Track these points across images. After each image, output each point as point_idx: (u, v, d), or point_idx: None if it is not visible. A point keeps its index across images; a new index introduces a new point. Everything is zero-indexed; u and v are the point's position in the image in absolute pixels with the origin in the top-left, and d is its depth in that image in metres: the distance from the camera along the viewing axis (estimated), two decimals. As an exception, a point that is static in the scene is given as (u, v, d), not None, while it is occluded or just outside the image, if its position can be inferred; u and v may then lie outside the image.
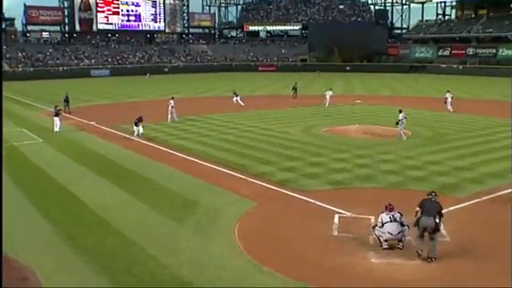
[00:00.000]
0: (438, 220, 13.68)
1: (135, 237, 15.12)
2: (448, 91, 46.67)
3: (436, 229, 13.59)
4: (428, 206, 13.80)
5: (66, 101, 42.60)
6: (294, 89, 57.66)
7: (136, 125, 31.00)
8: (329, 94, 50.59)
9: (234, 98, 48.60)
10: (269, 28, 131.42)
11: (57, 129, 33.51)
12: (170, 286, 12.20)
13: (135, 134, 30.94)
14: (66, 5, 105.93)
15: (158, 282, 12.37)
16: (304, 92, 61.71)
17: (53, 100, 42.33)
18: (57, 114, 33.94)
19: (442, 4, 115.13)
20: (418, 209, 13.87)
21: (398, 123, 31.27)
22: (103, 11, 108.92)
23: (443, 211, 13.96)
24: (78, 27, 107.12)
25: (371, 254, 14.03)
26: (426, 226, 13.50)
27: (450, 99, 45.26)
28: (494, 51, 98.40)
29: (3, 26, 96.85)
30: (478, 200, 14.39)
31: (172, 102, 39.33)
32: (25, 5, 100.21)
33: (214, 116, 41.10)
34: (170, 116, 38.59)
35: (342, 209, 17.42)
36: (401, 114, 31.39)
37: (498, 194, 18.91)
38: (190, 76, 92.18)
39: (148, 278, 12.58)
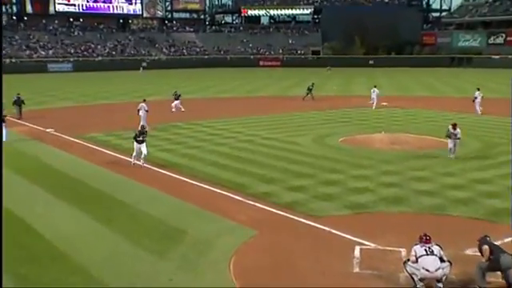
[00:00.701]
0: None
1: (104, 275, 15.08)
2: (478, 89, 48.12)
3: None
4: (493, 244, 13.52)
5: (17, 103, 42.50)
6: (309, 90, 58.03)
7: (137, 140, 28.02)
8: (375, 92, 51.75)
9: (174, 103, 48.18)
10: (272, 12, 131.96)
11: (4, 138, 33.42)
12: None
13: (134, 154, 28.18)
14: None
15: (133, 332, 12.40)
16: (317, 92, 61.89)
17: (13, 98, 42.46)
18: (2, 120, 33.85)
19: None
20: (485, 247, 13.43)
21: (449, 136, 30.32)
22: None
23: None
24: (29, 8, 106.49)
25: (402, 296, 14.09)
26: (509, 265, 13.22)
27: (479, 99, 46.76)
28: None
29: None
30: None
31: (144, 105, 39.36)
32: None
33: (205, 122, 41.22)
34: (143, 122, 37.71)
35: (364, 239, 17.43)
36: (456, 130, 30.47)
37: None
38: (173, 72, 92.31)
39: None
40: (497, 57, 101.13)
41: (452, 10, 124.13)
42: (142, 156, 27.62)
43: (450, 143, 30.06)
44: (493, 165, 27.84)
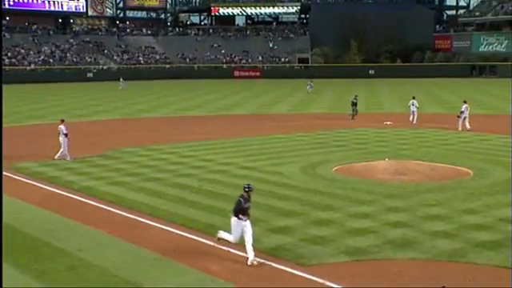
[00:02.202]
0: None
1: None
2: (464, 102, 49.89)
3: None
4: None
5: None
6: (354, 104, 58.01)
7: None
8: (414, 105, 53.90)
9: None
10: (249, 11, 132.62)
11: None
12: None
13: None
14: None
15: None
16: (304, 110, 62.16)
17: None
18: None
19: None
20: None
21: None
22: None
23: None
24: None
25: None
26: None
27: (466, 113, 49.17)
28: None
29: None
30: None
31: (63, 127, 37.86)
32: None
33: (167, 147, 41.25)
34: (61, 150, 37.62)
35: (367, 293, 17.50)
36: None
37: None
38: (127, 85, 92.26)
39: None
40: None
41: (471, 7, 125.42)
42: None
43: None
44: (524, 199, 28.01)
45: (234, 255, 21.04)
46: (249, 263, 19.45)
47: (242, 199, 20.28)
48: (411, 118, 53.80)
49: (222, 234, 20.58)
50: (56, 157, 36.95)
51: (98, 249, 21.72)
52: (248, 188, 20.80)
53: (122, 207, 26.95)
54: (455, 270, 19.02)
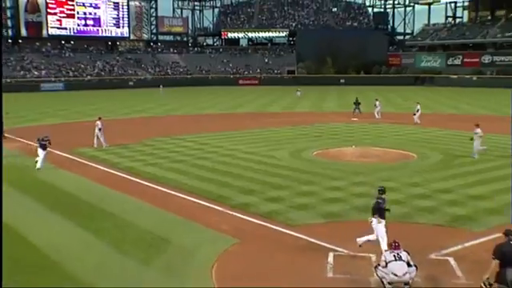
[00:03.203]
0: None
1: (95, 282, 14.95)
2: (418, 103, 51.77)
3: None
4: (509, 252, 12.81)
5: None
6: (357, 104, 57.53)
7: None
8: (378, 105, 54.91)
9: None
10: (250, 35, 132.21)
11: None
12: None
13: None
14: (8, 4, 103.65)
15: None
16: (292, 109, 62.02)
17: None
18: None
19: (452, 5, 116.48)
20: (495, 261, 12.82)
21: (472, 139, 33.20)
22: (55, 13, 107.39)
23: None
24: (24, 32, 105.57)
25: (373, 299, 14.07)
26: None
27: (419, 113, 50.35)
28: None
29: None
30: (498, 235, 14.44)
31: (99, 123, 37.55)
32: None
33: (188, 137, 41.10)
34: (96, 140, 37.14)
35: (337, 246, 17.42)
36: (478, 129, 33.17)
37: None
38: (160, 91, 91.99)
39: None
40: (455, 76, 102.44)
41: (414, 34, 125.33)
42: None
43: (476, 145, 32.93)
44: (454, 175, 28.03)
45: (239, 218, 21.02)
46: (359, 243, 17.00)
47: (380, 201, 17.31)
48: (376, 115, 53.90)
49: (362, 240, 17.04)
50: (95, 146, 36.63)
51: (137, 213, 21.71)
52: (381, 190, 17.83)
53: (155, 182, 26.90)
54: (404, 228, 18.99)
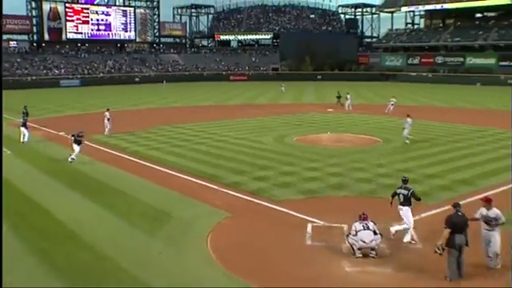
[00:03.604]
0: (466, 234, 13.16)
1: (107, 250, 14.94)
2: (393, 96, 52.02)
3: (467, 243, 13.10)
4: (457, 222, 13.06)
5: (25, 113, 40.73)
6: (339, 97, 57.27)
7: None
8: (349, 98, 54.28)
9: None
10: (240, 37, 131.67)
11: (25, 139, 33.18)
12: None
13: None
14: (34, 14, 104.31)
15: (130, 296, 12.29)
16: (276, 101, 62.00)
17: (21, 110, 41.54)
18: (24, 124, 33.73)
19: (411, 13, 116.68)
20: (447, 230, 13.00)
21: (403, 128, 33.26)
22: (72, 20, 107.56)
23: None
24: (46, 36, 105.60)
25: (345, 262, 14.11)
26: (460, 244, 12.96)
27: (391, 106, 50.33)
28: (462, 60, 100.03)
29: None
30: (448, 207, 14.61)
31: (107, 113, 37.47)
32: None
33: (186, 126, 40.91)
34: (107, 128, 36.92)
35: (315, 218, 17.46)
36: (408, 119, 33.31)
37: (467, 200, 19.16)
38: (160, 86, 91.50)
39: (120, 292, 12.49)
40: (414, 74, 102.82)
41: (380, 37, 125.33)
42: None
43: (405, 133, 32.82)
44: (413, 158, 28.14)
45: (231, 195, 21.01)
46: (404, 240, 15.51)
47: (403, 191, 15.77)
48: (347, 107, 53.18)
49: (395, 228, 15.70)
50: (105, 133, 36.26)
51: (143, 190, 21.64)
52: (404, 179, 16.35)
53: (158, 164, 26.81)
54: (371, 202, 19.09)
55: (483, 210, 13.62)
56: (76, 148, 27.26)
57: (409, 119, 33.23)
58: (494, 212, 13.44)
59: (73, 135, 27.81)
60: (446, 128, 39.35)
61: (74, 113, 51.91)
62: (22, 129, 33.49)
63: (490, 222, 13.45)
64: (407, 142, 32.52)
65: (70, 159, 26.99)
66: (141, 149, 31.31)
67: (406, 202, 15.67)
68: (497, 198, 20.25)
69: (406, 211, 15.62)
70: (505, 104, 57.80)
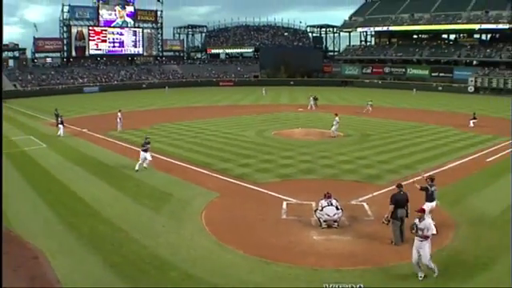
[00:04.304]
0: (406, 208, 13.31)
1: (121, 224, 14.92)
2: (371, 100, 50.54)
3: (407, 215, 13.25)
4: (399, 199, 13.28)
5: (56, 115, 40.21)
6: (315, 99, 55.27)
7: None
8: (312, 100, 53.31)
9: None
10: (227, 51, 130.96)
11: (61, 133, 33.50)
12: (150, 263, 12.09)
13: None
14: (65, 36, 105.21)
15: (140, 260, 12.29)
16: (257, 102, 61.85)
17: (53, 112, 40.98)
18: (61, 122, 34.05)
19: (364, 33, 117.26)
20: (391, 206, 13.18)
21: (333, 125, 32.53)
22: (94, 40, 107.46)
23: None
24: (74, 53, 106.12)
25: (313, 232, 14.19)
26: (402, 216, 13.15)
27: (370, 108, 48.81)
28: (404, 70, 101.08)
29: (17, 55, 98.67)
30: (393, 187, 14.78)
31: (119, 114, 36.81)
32: (34, 37, 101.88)
33: (184, 123, 40.59)
34: (119, 126, 36.04)
35: (289, 197, 17.52)
36: (336, 118, 32.74)
37: (409, 181, 19.31)
38: (163, 91, 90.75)
39: (132, 257, 12.51)
40: (367, 81, 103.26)
41: (340, 51, 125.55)
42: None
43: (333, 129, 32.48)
44: (368, 147, 28.27)
45: (220, 179, 20.94)
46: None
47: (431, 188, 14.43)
48: (309, 107, 52.61)
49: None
50: (118, 130, 35.54)
51: (150, 176, 21.52)
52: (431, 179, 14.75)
53: (161, 154, 26.57)
54: (334, 184, 19.18)
55: (416, 221, 11.53)
56: (147, 156, 22.83)
57: (337, 118, 33.04)
58: (425, 223, 11.41)
59: (142, 145, 23.43)
60: (393, 124, 39.55)
61: (94, 113, 51.28)
62: (60, 126, 33.85)
63: (417, 233, 11.40)
64: (334, 136, 32.08)
65: (138, 167, 22.41)
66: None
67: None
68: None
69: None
70: (435, 105, 58.51)
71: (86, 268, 11.93)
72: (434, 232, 11.50)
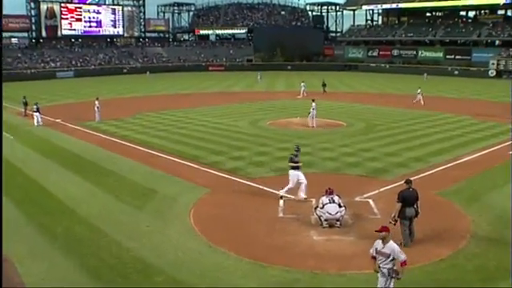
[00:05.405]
0: (416, 206, 13.32)
1: (100, 224, 14.84)
2: (419, 87, 47.01)
3: (416, 214, 13.30)
4: (408, 197, 13.25)
5: (25, 103, 39.64)
6: (324, 85, 57.23)
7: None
8: (304, 85, 52.82)
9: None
10: (218, 32, 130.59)
11: (38, 122, 33.75)
12: (133, 268, 12.03)
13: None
14: (33, 13, 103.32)
15: (121, 264, 12.21)
16: (250, 89, 61.81)
17: (20, 100, 40.69)
18: (37, 110, 34.13)
19: (371, 11, 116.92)
20: (399, 204, 13.15)
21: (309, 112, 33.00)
22: (67, 18, 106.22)
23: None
24: (44, 33, 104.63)
25: (313, 232, 14.20)
26: (411, 216, 13.17)
27: (421, 97, 45.17)
28: (415, 53, 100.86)
29: None
30: (402, 182, 14.75)
31: (97, 102, 36.43)
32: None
33: (170, 112, 40.50)
34: (96, 115, 35.94)
35: (286, 193, 17.49)
36: (313, 104, 33.05)
37: (419, 176, 19.38)
38: (148, 76, 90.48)
39: (113, 261, 12.41)
40: (373, 64, 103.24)
41: (343, 32, 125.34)
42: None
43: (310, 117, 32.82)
44: (373, 138, 28.35)
45: (210, 173, 20.94)
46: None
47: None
48: (301, 95, 52.00)
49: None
50: (96, 120, 35.36)
51: (131, 170, 21.49)
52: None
53: (145, 146, 26.58)
54: (336, 178, 19.21)
55: (378, 244, 9.77)
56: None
57: (313, 103, 33.14)
58: (390, 247, 9.61)
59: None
60: (402, 113, 39.63)
61: (68, 101, 51.05)
62: (36, 114, 33.97)
63: (381, 260, 9.66)
64: (314, 126, 32.40)
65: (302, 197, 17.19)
66: (129, 133, 30.96)
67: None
68: (445, 173, 20.63)
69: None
70: (450, 91, 58.61)
71: (60, 274, 11.80)
72: (403, 257, 9.56)
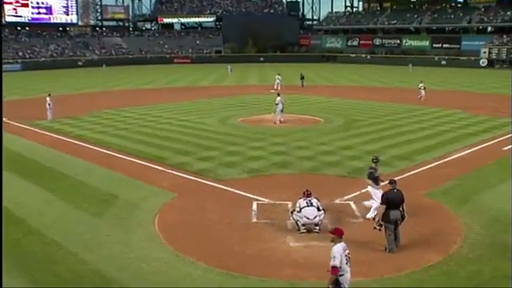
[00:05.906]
0: (402, 209, 13.36)
1: (54, 235, 14.62)
2: (421, 81, 46.31)
3: (402, 217, 13.36)
4: (393, 198, 13.27)
5: None
6: (302, 78, 58.35)
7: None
8: (279, 78, 53.42)
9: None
10: (183, 20, 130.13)
11: None
12: (91, 283, 11.89)
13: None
14: None
15: (78, 279, 12.04)
16: (219, 83, 61.72)
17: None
18: None
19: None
20: (383, 206, 13.29)
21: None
22: (11, 3, 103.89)
23: None
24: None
25: (290, 238, 14.24)
26: (396, 219, 13.20)
27: (422, 92, 44.48)
28: (399, 42, 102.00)
29: None
30: (385, 183, 14.86)
31: (48, 99, 35.70)
32: None
33: (131, 109, 40.21)
34: (49, 114, 35.39)
35: (260, 196, 17.55)
36: (278, 98, 33.43)
37: (404, 175, 19.63)
38: (104, 69, 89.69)
39: (68, 276, 12.21)
40: (353, 55, 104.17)
41: (320, 20, 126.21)
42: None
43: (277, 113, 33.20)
44: (353, 135, 28.61)
45: (176, 176, 20.86)
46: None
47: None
48: (275, 87, 52.13)
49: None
50: (48, 119, 34.92)
51: (89, 173, 21.24)
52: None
53: (102, 147, 26.32)
54: (314, 179, 19.32)
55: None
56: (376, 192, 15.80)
57: (278, 97, 33.55)
58: (333, 250, 9.63)
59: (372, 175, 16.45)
60: (385, 107, 40.10)
61: (14, 98, 50.17)
62: None
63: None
64: (283, 121, 33.00)
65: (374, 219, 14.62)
66: (85, 132, 30.62)
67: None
68: (433, 171, 20.95)
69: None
70: (437, 83, 59.45)
71: (6, 293, 11.62)
72: (337, 263, 9.40)
